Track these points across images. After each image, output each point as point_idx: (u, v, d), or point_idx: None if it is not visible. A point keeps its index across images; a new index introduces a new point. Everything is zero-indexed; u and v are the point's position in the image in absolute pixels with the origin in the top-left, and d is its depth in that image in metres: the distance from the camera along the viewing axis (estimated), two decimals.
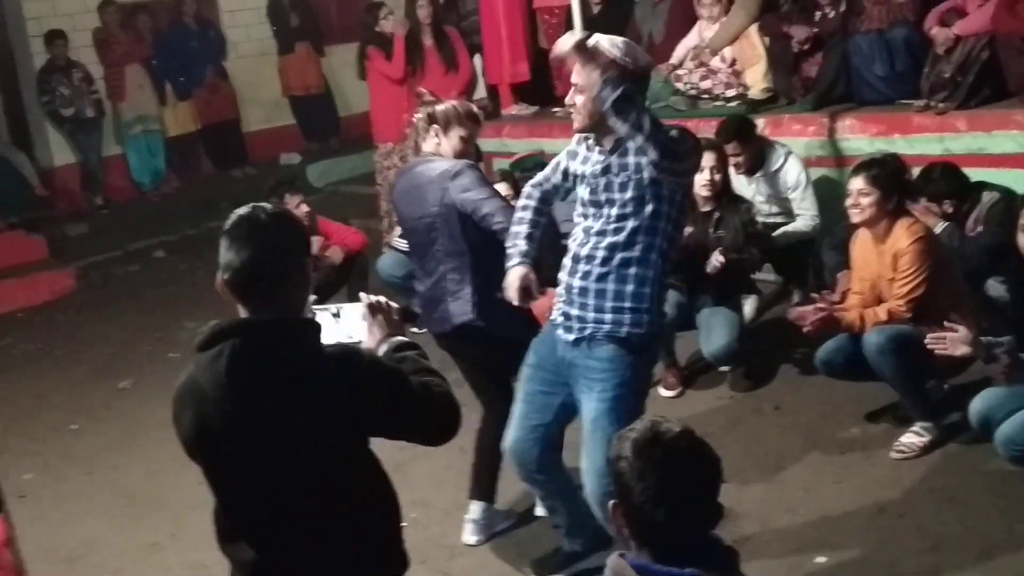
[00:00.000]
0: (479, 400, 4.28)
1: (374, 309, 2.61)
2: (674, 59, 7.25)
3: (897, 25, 6.28)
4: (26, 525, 5.00)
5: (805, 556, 3.90)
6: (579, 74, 3.36)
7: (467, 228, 3.94)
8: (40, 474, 5.50)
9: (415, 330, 6.74)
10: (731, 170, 5.69)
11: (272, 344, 2.30)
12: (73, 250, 9.51)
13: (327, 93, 11.52)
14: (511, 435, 3.72)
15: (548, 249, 3.83)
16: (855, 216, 4.56)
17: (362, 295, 2.68)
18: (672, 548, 1.99)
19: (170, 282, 8.58)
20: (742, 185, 5.96)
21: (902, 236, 4.44)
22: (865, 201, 4.48)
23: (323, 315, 2.65)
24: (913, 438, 4.47)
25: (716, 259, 5.21)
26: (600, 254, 3.39)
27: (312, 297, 2.54)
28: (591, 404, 3.44)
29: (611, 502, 2.06)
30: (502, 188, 5.61)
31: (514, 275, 3.56)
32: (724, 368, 5.45)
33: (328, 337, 2.55)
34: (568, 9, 6.83)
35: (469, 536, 4.30)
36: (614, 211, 3.36)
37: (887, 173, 4.53)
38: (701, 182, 5.28)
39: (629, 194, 3.34)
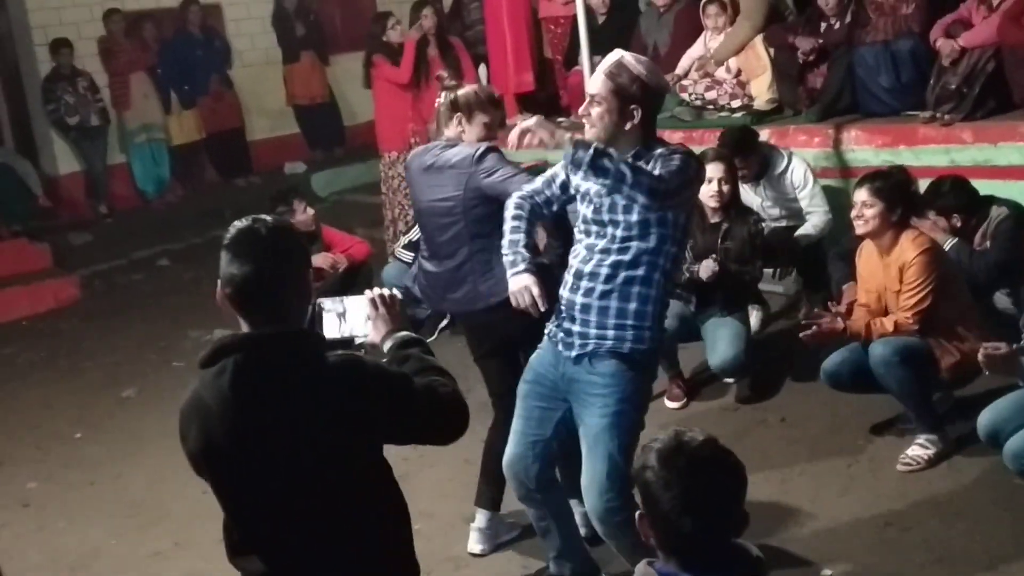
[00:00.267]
0: (492, 398, 4.27)
1: (375, 304, 2.60)
2: (679, 70, 7.25)
3: (902, 37, 6.28)
4: (30, 534, 5.01)
5: (811, 568, 3.89)
6: (602, 85, 3.30)
7: (494, 209, 3.87)
8: (44, 483, 5.49)
9: None
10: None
11: (274, 358, 2.29)
12: (77, 259, 9.51)
13: (332, 102, 11.52)
14: (510, 451, 3.68)
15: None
16: (859, 228, 4.55)
17: (367, 290, 2.65)
18: (700, 557, 2.02)
19: (174, 291, 8.57)
20: (747, 191, 5.95)
21: (908, 248, 4.44)
22: (869, 213, 4.48)
23: (329, 314, 2.63)
24: (919, 450, 4.46)
25: (708, 266, 5.19)
26: (604, 271, 3.35)
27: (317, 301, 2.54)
28: (592, 420, 3.41)
29: (637, 512, 2.07)
30: None
31: (528, 280, 3.49)
32: (729, 380, 5.44)
33: (333, 331, 2.56)
34: (573, 19, 6.84)
35: (475, 545, 4.28)
36: (619, 232, 3.32)
37: (892, 185, 4.53)
38: (709, 193, 5.27)
39: (634, 217, 3.29)
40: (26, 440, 6.07)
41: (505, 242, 3.61)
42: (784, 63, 6.86)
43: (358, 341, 2.65)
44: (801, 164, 6.01)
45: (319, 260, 6.42)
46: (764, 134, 6.50)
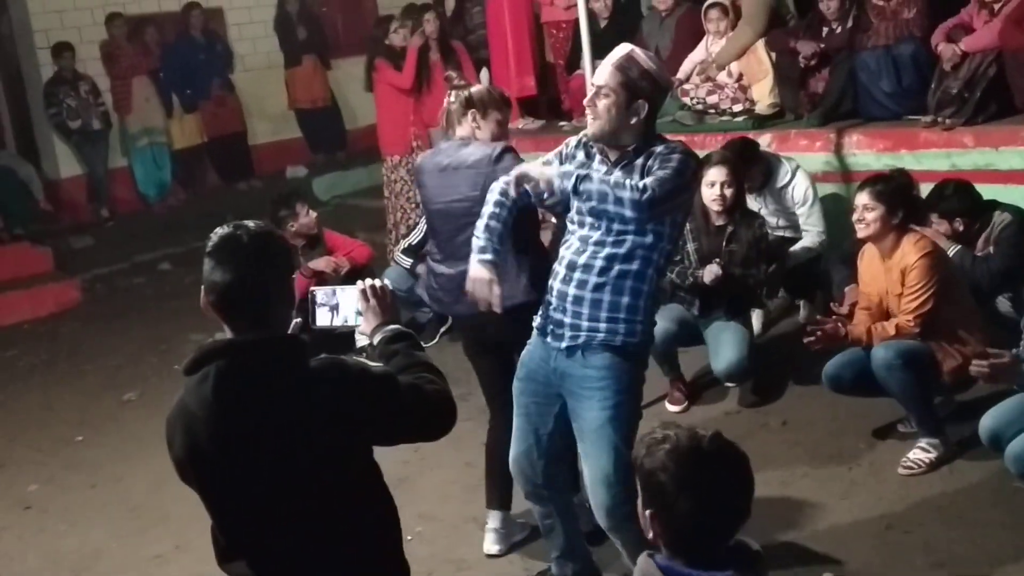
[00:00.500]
0: (490, 404, 4.26)
1: (368, 295, 2.60)
2: (681, 74, 7.26)
3: (904, 41, 6.29)
4: (30, 536, 5.01)
5: (812, 571, 3.88)
6: (611, 76, 3.28)
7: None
8: (45, 485, 5.50)
9: (421, 343, 6.76)
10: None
11: (257, 364, 2.29)
12: (79, 262, 9.52)
13: (334, 106, 11.54)
14: (514, 449, 3.67)
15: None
16: (860, 231, 4.56)
17: (359, 281, 2.65)
18: (705, 553, 2.05)
19: (175, 295, 8.57)
20: (748, 199, 5.95)
21: (910, 251, 4.44)
22: (870, 216, 4.48)
23: (322, 304, 2.63)
24: (921, 454, 4.45)
25: (712, 270, 5.19)
26: (598, 264, 3.33)
27: (296, 321, 2.53)
28: (592, 413, 3.38)
29: (648, 511, 2.09)
30: None
31: (491, 275, 3.43)
32: (732, 384, 5.44)
33: (325, 321, 2.59)
34: (575, 24, 6.85)
35: (491, 546, 4.24)
36: (615, 225, 3.30)
37: (893, 188, 4.54)
38: (711, 197, 5.27)
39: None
40: (27, 443, 6.07)
41: (480, 224, 3.52)
42: (786, 67, 6.86)
43: (355, 335, 2.66)
44: (804, 180, 6.01)
45: (321, 263, 6.43)
46: (766, 139, 6.51)
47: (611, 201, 3.17)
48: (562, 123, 8.21)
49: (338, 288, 2.66)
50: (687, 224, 5.28)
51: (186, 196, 11.07)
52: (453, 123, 4.19)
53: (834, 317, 4.50)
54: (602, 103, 3.29)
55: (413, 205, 8.11)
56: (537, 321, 3.55)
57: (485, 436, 4.30)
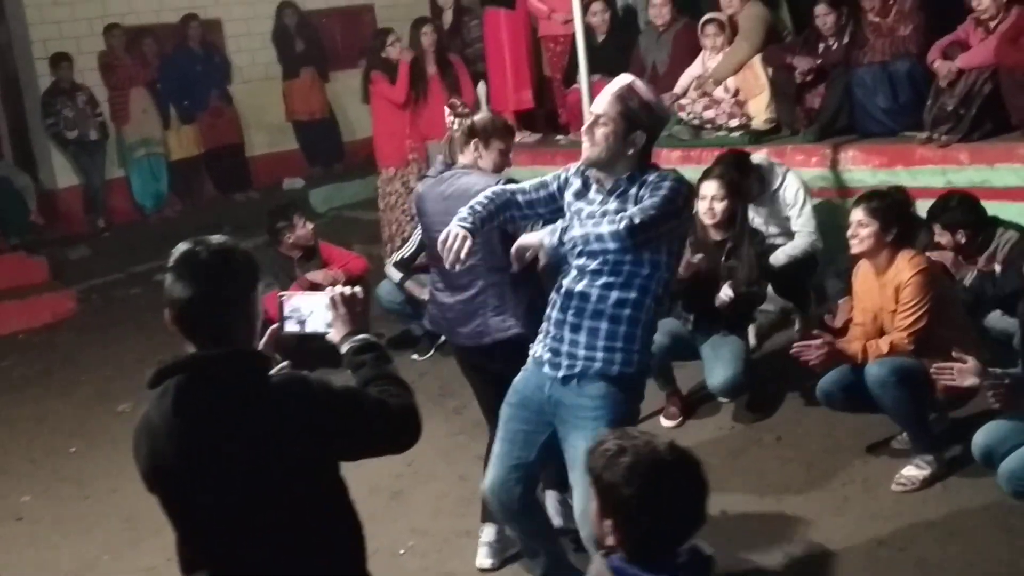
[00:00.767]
0: (488, 417, 4.23)
1: (337, 303, 2.59)
2: (678, 89, 7.29)
3: (900, 58, 6.32)
4: (23, 547, 4.99)
5: None
6: (610, 106, 3.29)
7: (509, 243, 3.79)
8: (38, 497, 5.48)
9: (416, 356, 6.77)
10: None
11: (216, 378, 2.30)
12: (74, 272, 9.51)
13: (331, 118, 11.56)
14: (491, 474, 3.62)
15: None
16: (854, 247, 4.57)
17: (327, 288, 2.66)
18: (664, 558, 2.15)
19: None
20: None
21: (904, 268, 4.44)
22: (864, 232, 4.49)
23: (291, 311, 2.63)
24: (914, 471, 4.45)
25: (726, 293, 5.16)
26: (595, 292, 3.32)
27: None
28: (584, 443, 3.25)
29: (607, 521, 2.14)
30: None
31: (467, 234, 3.36)
32: (725, 400, 5.43)
33: (294, 328, 2.60)
34: (572, 38, 6.86)
35: (484, 559, 4.22)
36: (612, 256, 3.29)
37: (887, 205, 4.54)
38: (702, 210, 5.29)
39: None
40: (20, 453, 6.06)
41: (468, 205, 3.50)
42: (782, 83, 6.89)
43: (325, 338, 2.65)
44: (795, 182, 6.03)
45: (317, 276, 6.44)
46: (762, 154, 6.52)
47: (593, 240, 3.21)
48: (559, 137, 8.23)
49: (308, 295, 2.67)
50: (687, 239, 5.31)
51: (183, 207, 11.06)
52: (456, 151, 4.20)
53: (823, 339, 4.46)
54: (600, 131, 3.29)
55: (408, 218, 8.12)
56: (534, 349, 3.54)
57: (479, 450, 4.29)
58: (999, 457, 3.89)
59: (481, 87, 8.62)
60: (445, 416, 5.79)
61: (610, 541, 2.16)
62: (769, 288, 6.18)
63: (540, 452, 3.54)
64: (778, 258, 5.84)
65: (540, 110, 8.63)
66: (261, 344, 2.56)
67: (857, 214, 4.53)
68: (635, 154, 3.32)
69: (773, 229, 6.05)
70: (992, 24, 5.89)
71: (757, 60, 7.00)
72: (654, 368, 5.19)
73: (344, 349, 2.56)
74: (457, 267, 3.39)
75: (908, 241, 4.64)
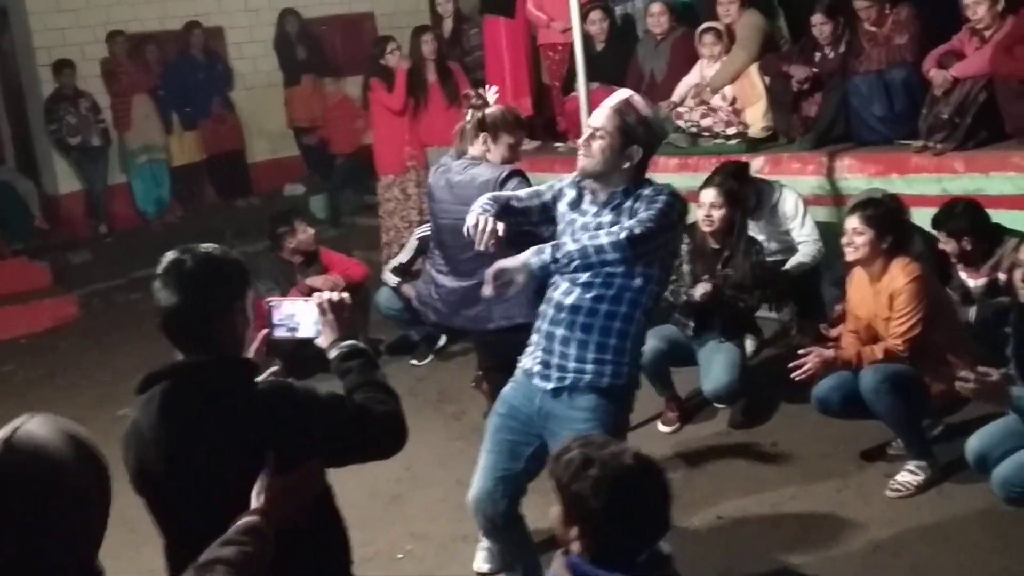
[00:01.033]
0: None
1: (325, 309, 2.61)
2: (675, 97, 7.33)
3: (896, 66, 6.36)
4: None
5: None
6: (608, 120, 3.31)
7: (516, 235, 3.75)
8: None
9: (414, 362, 6.80)
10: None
11: (202, 385, 2.32)
12: (77, 278, 9.55)
13: None
14: (477, 486, 3.62)
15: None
16: (849, 255, 4.60)
17: (315, 294, 2.67)
18: (626, 560, 2.16)
19: None
20: None
21: (898, 275, 4.48)
22: (859, 240, 4.52)
23: (279, 317, 2.65)
24: (908, 476, 4.48)
25: (703, 287, 5.21)
26: (586, 305, 3.33)
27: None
28: None
29: (574, 529, 2.17)
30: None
31: (496, 222, 3.34)
32: (721, 405, 5.47)
33: (283, 333, 2.61)
34: (571, 46, 6.90)
35: (482, 564, 4.24)
36: (604, 268, 3.29)
37: (882, 213, 4.58)
38: (700, 217, 5.33)
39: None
40: None
41: (479, 204, 3.46)
42: (779, 91, 6.93)
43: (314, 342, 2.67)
44: (792, 194, 6.07)
45: (317, 281, 6.47)
46: (759, 162, 6.56)
47: (592, 253, 3.18)
48: (558, 144, 8.27)
49: (297, 301, 2.69)
50: (684, 245, 5.34)
51: (184, 213, 11.10)
52: (466, 141, 4.24)
53: (813, 352, 4.48)
54: (596, 144, 3.31)
55: (406, 224, 8.17)
56: (523, 361, 3.54)
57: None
58: (993, 462, 3.91)
59: (492, 91, 8.64)
60: (443, 421, 5.83)
61: (575, 547, 2.17)
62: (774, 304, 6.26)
63: (527, 464, 3.51)
64: (794, 270, 5.88)
65: (539, 118, 8.67)
66: (252, 349, 2.60)
67: (852, 222, 4.56)
68: (631, 168, 3.34)
69: (774, 245, 6.08)
70: (987, 33, 5.93)
71: (754, 69, 7.05)
72: (651, 374, 5.25)
73: (332, 355, 2.58)
74: (491, 250, 3.35)
75: (903, 249, 4.68)
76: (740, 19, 7.15)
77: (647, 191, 3.35)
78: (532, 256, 3.23)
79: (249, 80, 11.56)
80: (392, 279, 6.65)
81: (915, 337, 4.43)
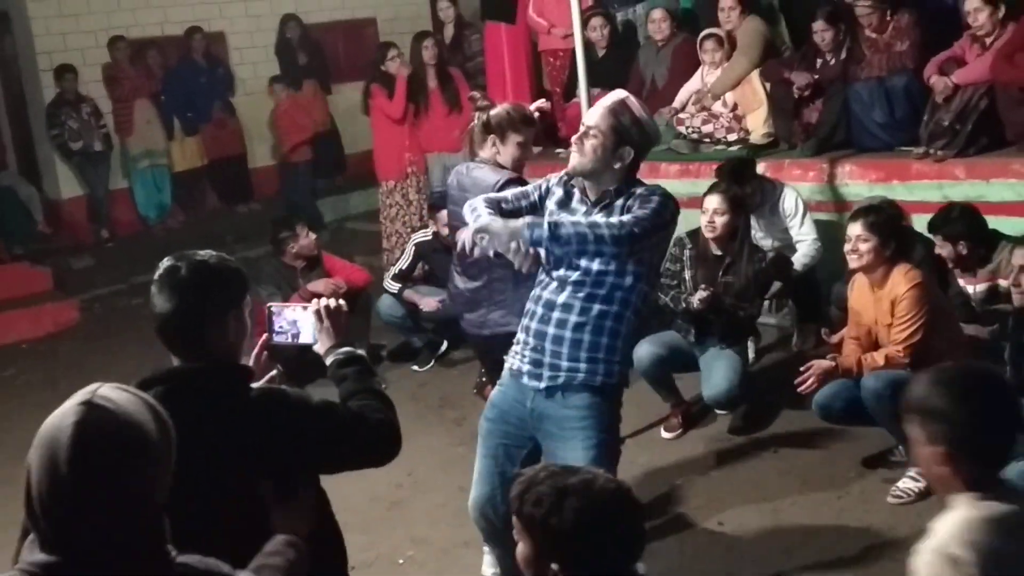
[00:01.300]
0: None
1: (322, 315, 2.63)
2: (676, 103, 7.35)
3: (897, 73, 6.37)
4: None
5: None
6: (602, 119, 3.32)
7: None
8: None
9: (416, 368, 6.81)
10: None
11: (195, 391, 2.33)
12: (78, 283, 9.56)
13: (333, 131, 11.60)
14: (476, 492, 3.62)
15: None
16: (854, 262, 4.59)
17: (314, 299, 2.70)
18: None
19: None
20: None
21: (900, 282, 4.48)
22: (864, 247, 4.52)
23: (279, 323, 2.67)
24: (910, 483, 4.48)
25: (699, 295, 5.20)
26: (578, 304, 3.33)
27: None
28: (575, 453, 3.32)
29: (552, 565, 2.10)
30: None
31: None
32: (722, 412, 5.47)
33: (283, 339, 2.64)
34: (572, 52, 6.93)
35: (488, 568, 4.21)
36: (595, 266, 3.30)
37: (885, 219, 4.58)
38: (703, 223, 5.33)
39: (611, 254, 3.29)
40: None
41: (478, 211, 3.43)
42: (780, 98, 6.94)
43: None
44: (792, 193, 6.10)
45: (320, 286, 6.48)
46: (760, 168, 6.56)
47: (591, 240, 3.18)
48: (558, 150, 8.26)
49: (296, 307, 2.71)
50: (686, 252, 5.35)
51: (186, 218, 11.11)
52: (475, 145, 4.26)
53: (812, 364, 4.49)
54: (589, 143, 3.32)
55: (408, 230, 8.18)
56: (511, 362, 3.53)
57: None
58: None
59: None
60: (445, 427, 5.83)
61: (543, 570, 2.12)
62: (774, 303, 6.26)
63: (523, 465, 3.42)
64: (795, 270, 5.88)
65: (540, 124, 8.66)
66: (252, 355, 2.61)
67: (856, 229, 4.55)
68: (622, 168, 3.35)
69: (774, 243, 6.11)
70: (988, 40, 5.94)
71: (755, 75, 7.06)
72: (652, 380, 5.26)
73: (328, 361, 2.60)
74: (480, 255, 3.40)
75: (904, 255, 4.68)
76: (741, 25, 7.16)
77: (640, 190, 3.36)
78: (525, 228, 3.20)
79: (250, 85, 11.57)
80: (393, 286, 6.66)
81: (916, 343, 4.43)
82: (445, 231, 6.46)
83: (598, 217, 3.32)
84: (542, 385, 3.40)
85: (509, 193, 3.66)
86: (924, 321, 4.43)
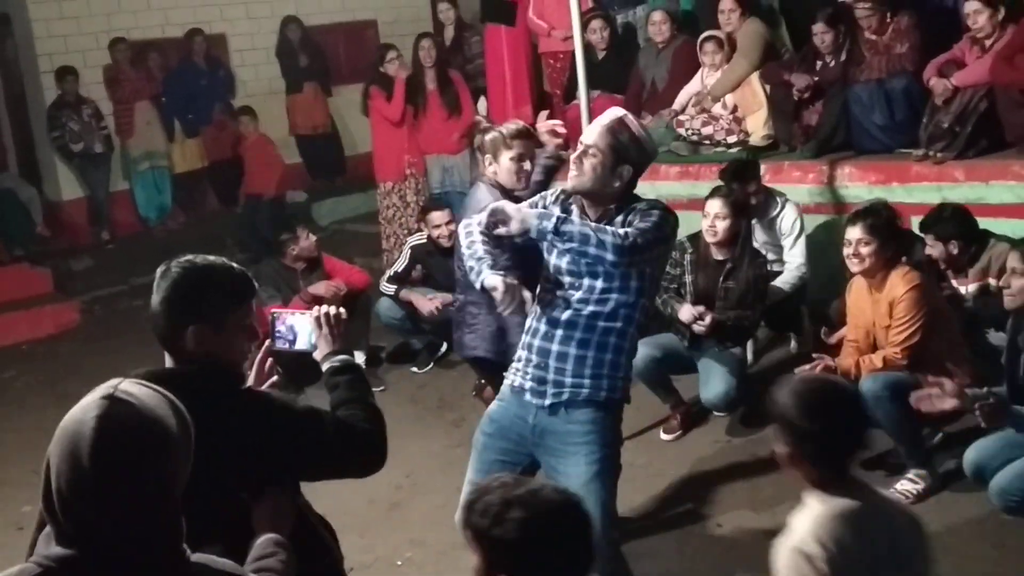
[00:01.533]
0: None
1: (319, 322, 2.65)
2: (676, 105, 7.35)
3: (896, 75, 6.37)
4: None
5: None
6: (601, 137, 3.32)
7: None
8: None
9: (415, 369, 6.81)
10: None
11: (183, 392, 2.32)
12: (78, 284, 9.57)
13: (334, 132, 11.61)
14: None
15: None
16: (854, 266, 4.59)
17: (315, 306, 2.71)
18: None
19: None
20: None
21: (898, 284, 4.48)
22: (865, 251, 4.52)
23: (280, 328, 2.69)
24: (908, 485, 4.48)
25: (698, 324, 5.15)
26: (582, 321, 3.34)
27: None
28: (579, 468, 3.33)
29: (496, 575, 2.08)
30: None
31: (501, 279, 3.27)
32: (719, 413, 5.47)
33: (283, 345, 2.66)
34: (572, 54, 6.93)
35: None
36: (599, 283, 3.31)
37: (884, 222, 4.58)
38: (704, 227, 5.33)
39: (615, 270, 3.28)
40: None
41: (476, 250, 3.43)
42: (780, 100, 6.94)
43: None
44: (793, 212, 6.04)
45: (320, 288, 6.49)
46: (759, 170, 6.56)
47: (593, 243, 3.18)
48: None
49: (297, 313, 2.72)
50: (687, 256, 5.34)
51: (186, 220, 11.11)
52: (479, 166, 4.43)
53: (815, 360, 4.49)
54: (588, 162, 3.31)
55: (406, 231, 8.19)
56: (510, 378, 3.53)
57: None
58: (990, 473, 3.93)
59: (482, 103, 8.68)
60: (444, 428, 5.83)
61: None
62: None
63: None
64: (775, 292, 5.81)
65: (560, 138, 8.66)
66: (257, 360, 2.61)
67: (856, 232, 4.54)
68: (620, 187, 3.35)
69: (770, 256, 6.06)
70: (988, 43, 5.94)
71: (755, 77, 7.06)
72: (648, 381, 5.26)
73: (324, 368, 2.62)
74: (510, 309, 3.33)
75: (903, 257, 4.69)
76: (741, 27, 7.17)
77: (641, 205, 3.38)
78: (534, 218, 3.24)
79: (251, 87, 11.58)
80: (389, 288, 6.66)
81: (914, 345, 4.44)
82: (436, 233, 6.49)
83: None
84: (547, 402, 3.40)
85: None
86: (922, 323, 4.44)
